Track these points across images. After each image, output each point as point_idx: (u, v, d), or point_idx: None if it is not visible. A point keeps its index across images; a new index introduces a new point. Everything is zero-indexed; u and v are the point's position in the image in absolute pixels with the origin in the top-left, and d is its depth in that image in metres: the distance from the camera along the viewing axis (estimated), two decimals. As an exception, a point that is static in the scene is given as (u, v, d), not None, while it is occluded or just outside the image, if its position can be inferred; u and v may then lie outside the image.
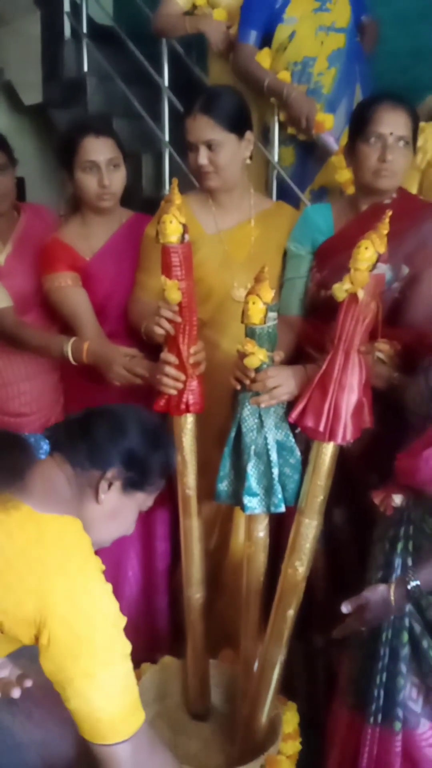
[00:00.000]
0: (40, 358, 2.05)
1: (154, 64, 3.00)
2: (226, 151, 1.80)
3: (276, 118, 2.42)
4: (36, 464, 1.18)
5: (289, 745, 1.61)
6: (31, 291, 2.04)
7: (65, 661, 1.09)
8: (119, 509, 1.25)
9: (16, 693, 1.18)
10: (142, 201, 2.84)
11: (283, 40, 2.38)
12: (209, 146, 1.78)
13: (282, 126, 2.44)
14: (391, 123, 1.65)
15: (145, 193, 3.05)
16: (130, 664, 1.15)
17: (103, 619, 1.11)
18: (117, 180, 1.93)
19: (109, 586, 1.16)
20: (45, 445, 1.22)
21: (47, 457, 1.21)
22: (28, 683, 1.21)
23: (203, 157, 1.79)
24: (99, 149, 1.89)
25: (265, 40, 2.43)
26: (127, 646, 1.14)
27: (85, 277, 1.96)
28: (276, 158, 2.47)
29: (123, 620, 1.16)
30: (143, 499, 1.30)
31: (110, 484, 1.22)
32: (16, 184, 2.12)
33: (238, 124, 1.80)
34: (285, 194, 2.41)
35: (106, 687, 1.10)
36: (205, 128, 1.78)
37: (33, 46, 3.55)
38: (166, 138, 2.97)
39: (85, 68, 3.37)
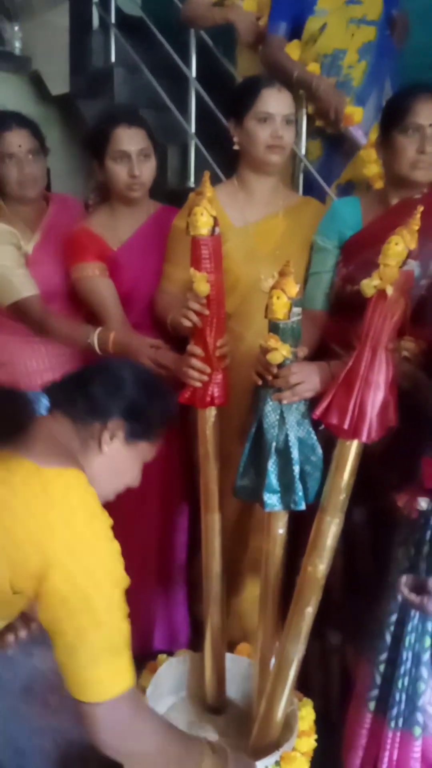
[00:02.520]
0: (63, 348, 2.05)
1: (181, 55, 2.98)
2: (293, 129, 1.85)
3: (304, 110, 2.39)
4: (37, 420, 1.18)
5: (304, 742, 1.60)
6: (58, 280, 2.05)
7: (59, 613, 1.08)
8: (123, 460, 1.25)
9: (22, 633, 1.23)
10: (167, 193, 2.83)
11: (314, 32, 2.35)
12: (286, 120, 1.81)
13: (310, 119, 2.41)
14: (430, 114, 1.63)
15: (170, 185, 3.04)
16: (125, 626, 1.14)
17: (103, 577, 1.10)
18: (147, 170, 1.93)
19: (116, 544, 1.14)
20: (45, 401, 1.22)
21: (48, 413, 1.21)
22: (23, 632, 1.24)
23: (281, 129, 1.80)
24: (130, 139, 1.90)
25: (295, 32, 2.41)
26: (124, 608, 1.13)
27: (111, 267, 1.96)
28: (303, 151, 2.44)
29: (126, 581, 1.14)
30: (146, 449, 1.29)
31: (112, 435, 1.22)
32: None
33: None
34: (311, 188, 2.38)
35: (95, 647, 1.09)
36: (288, 101, 1.83)
37: (61, 37, 3.55)
38: (193, 130, 2.96)
39: (113, 59, 3.36)
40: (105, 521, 1.14)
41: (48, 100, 3.72)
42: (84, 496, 1.13)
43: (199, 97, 2.93)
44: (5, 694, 1.98)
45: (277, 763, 1.52)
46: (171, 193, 2.78)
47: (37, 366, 2.11)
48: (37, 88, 3.77)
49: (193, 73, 2.97)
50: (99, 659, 1.09)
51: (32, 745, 1.83)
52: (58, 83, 3.59)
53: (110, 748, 1.14)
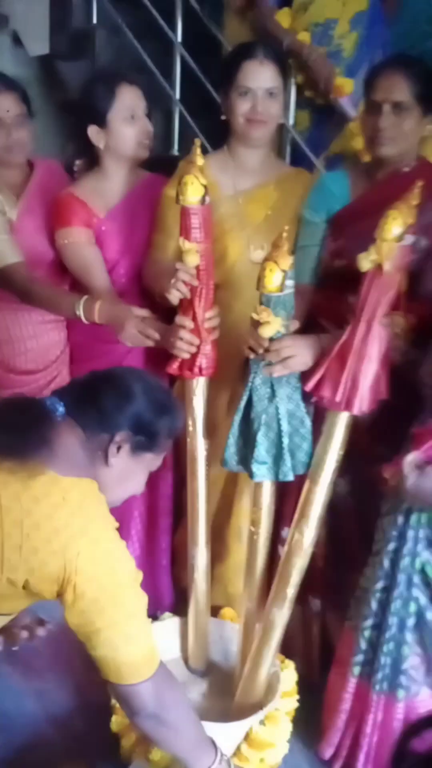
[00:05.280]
0: (47, 315, 2.03)
1: (166, 19, 2.92)
2: (279, 102, 1.81)
3: (293, 80, 2.37)
4: (55, 428, 1.21)
5: (286, 702, 1.66)
6: (43, 247, 2.01)
7: (92, 614, 1.16)
8: (129, 471, 1.30)
9: (41, 632, 1.33)
10: (150, 160, 2.79)
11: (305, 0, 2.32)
12: (269, 93, 1.77)
13: (299, 89, 2.39)
14: (386, 89, 1.59)
15: (153, 152, 2.99)
16: (146, 612, 1.24)
17: (124, 575, 1.19)
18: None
19: (123, 543, 1.23)
20: (60, 408, 1.25)
21: (62, 419, 1.24)
22: (42, 631, 1.31)
23: (262, 104, 1.76)
24: (137, 97, 1.91)
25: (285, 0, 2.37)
26: (144, 598, 1.23)
27: (98, 234, 1.93)
28: (291, 122, 2.42)
29: (140, 575, 1.24)
30: (152, 460, 1.34)
31: (119, 448, 1.26)
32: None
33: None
34: (299, 159, 2.38)
35: (130, 634, 1.19)
36: (271, 73, 1.78)
37: (41, -5, 3.43)
38: (177, 96, 2.91)
39: (95, 20, 3.27)
40: (114, 525, 1.23)
41: (26, 62, 3.61)
42: (98, 504, 1.21)
43: (184, 63, 2.87)
44: (-12, 659, 2.00)
45: (262, 722, 1.57)
46: (154, 160, 2.74)
47: (20, 333, 2.08)
48: (14, 49, 3.65)
49: (179, 38, 2.91)
50: (137, 643, 1.20)
51: (17, 707, 1.86)
52: (38, 44, 3.48)
53: (154, 719, 1.24)
